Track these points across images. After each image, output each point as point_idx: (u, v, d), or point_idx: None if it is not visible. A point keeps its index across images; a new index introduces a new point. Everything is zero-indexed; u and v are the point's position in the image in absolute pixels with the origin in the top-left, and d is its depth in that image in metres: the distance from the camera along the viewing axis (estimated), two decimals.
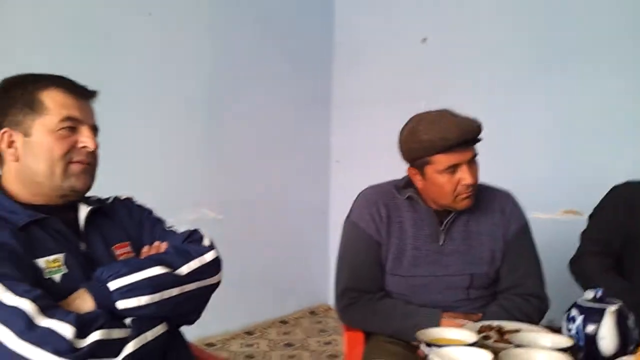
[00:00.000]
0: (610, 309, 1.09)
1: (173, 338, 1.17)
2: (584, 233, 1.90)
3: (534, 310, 1.62)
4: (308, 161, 3.73)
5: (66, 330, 0.93)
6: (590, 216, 1.93)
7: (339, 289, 1.67)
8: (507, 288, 1.66)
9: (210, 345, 3.01)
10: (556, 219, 2.88)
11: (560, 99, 2.88)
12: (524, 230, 1.69)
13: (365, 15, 3.63)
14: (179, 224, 1.34)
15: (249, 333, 3.27)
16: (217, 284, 1.23)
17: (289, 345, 3.13)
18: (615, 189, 1.89)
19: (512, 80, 3.02)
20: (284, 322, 3.49)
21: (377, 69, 3.56)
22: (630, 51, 2.69)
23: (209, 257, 1.20)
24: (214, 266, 1.21)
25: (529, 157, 2.99)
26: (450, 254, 1.65)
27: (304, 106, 3.64)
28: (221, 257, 1.24)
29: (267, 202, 3.44)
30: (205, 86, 3.10)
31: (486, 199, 1.69)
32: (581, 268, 1.84)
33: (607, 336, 1.09)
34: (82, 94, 1.15)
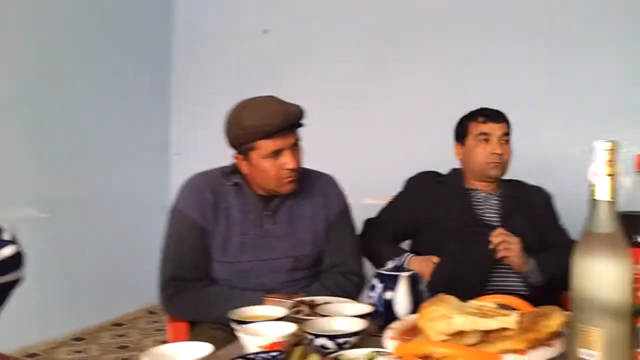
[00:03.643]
0: (404, 276, 1.19)
1: None
2: (377, 217, 2.07)
3: (353, 287, 1.71)
4: (145, 155, 3.58)
5: None
6: (388, 203, 2.10)
7: (163, 279, 1.63)
8: (329, 267, 1.73)
9: (32, 355, 2.74)
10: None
11: (393, 95, 3.10)
12: (345, 212, 1.78)
13: (205, 4, 3.57)
14: None
15: (78, 339, 3.04)
16: (16, 282, 1.12)
17: (123, 347, 2.97)
18: (409, 180, 2.09)
19: (351, 73, 3.18)
20: (119, 324, 3.31)
21: (219, 59, 3.53)
22: (444, 51, 2.98)
23: (7, 251, 1.09)
24: (14, 262, 1.10)
25: (365, 146, 3.17)
26: (275, 238, 1.68)
27: (140, 98, 3.50)
28: (24, 253, 1.14)
29: (100, 199, 3.25)
30: (25, 83, 2.86)
31: (309, 183, 1.75)
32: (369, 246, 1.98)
33: (401, 300, 1.18)
34: None
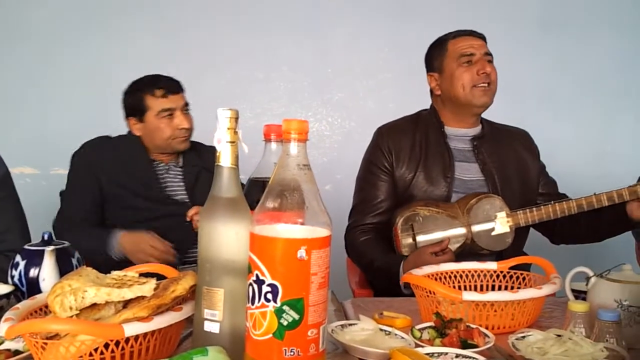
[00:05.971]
0: (49, 250, 1.09)
1: None
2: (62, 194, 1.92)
3: None
4: None
5: None
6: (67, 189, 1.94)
7: None
8: None
9: None
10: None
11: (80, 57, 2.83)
12: (3, 182, 1.56)
13: None
14: None
15: None
16: None
17: None
18: (76, 155, 1.92)
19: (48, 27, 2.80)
20: None
21: None
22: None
23: None
24: None
25: (54, 110, 2.84)
26: None
27: None
28: None
29: None
30: None
31: None
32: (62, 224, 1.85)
33: (47, 277, 1.08)
34: None
